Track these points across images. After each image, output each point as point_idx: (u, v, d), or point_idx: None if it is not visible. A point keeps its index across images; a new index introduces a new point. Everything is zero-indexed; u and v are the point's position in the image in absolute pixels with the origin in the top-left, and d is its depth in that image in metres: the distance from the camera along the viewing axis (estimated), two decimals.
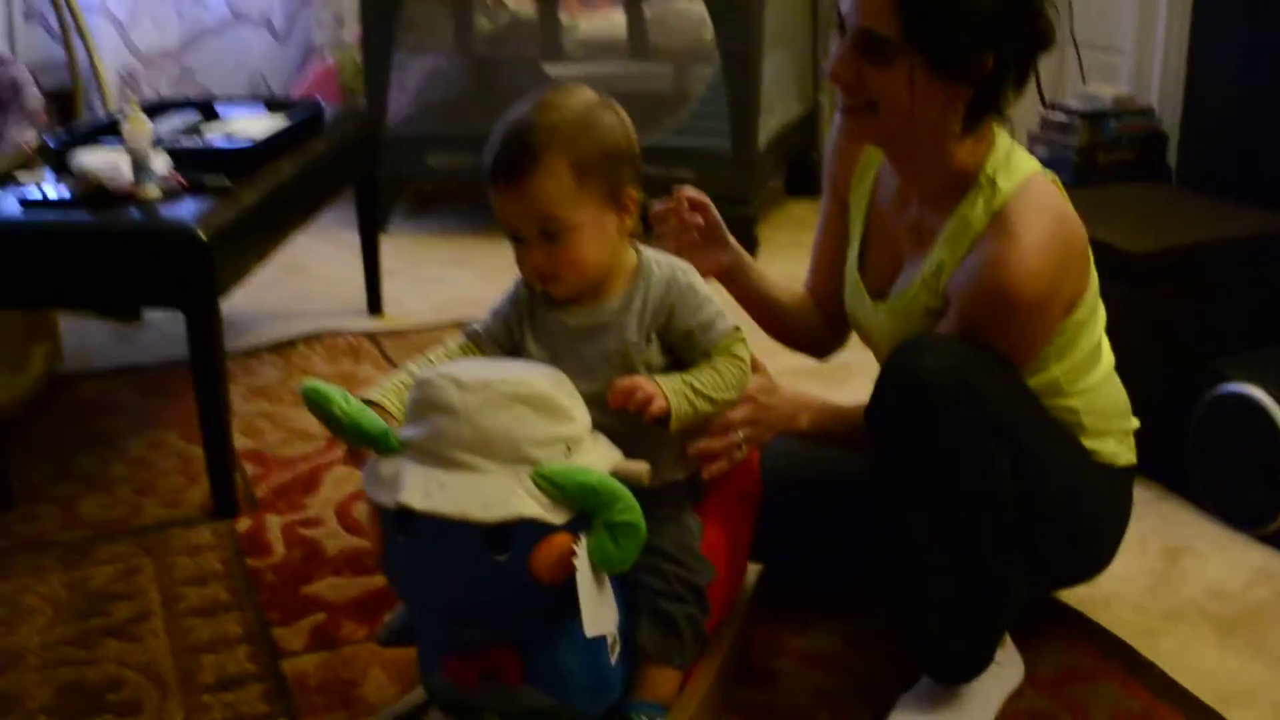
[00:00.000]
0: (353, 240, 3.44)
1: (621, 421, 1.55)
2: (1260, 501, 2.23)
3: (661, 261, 1.64)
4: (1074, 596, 2.06)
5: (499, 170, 1.56)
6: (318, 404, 1.47)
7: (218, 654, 1.96)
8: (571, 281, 1.58)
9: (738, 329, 1.64)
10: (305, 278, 3.67)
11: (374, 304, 3.39)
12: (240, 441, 2.58)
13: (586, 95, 1.59)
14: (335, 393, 1.47)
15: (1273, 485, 2.20)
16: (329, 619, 2.04)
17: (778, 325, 2.07)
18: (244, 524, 2.33)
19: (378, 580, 2.13)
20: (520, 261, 1.60)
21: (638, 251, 1.65)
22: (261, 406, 2.81)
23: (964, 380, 1.64)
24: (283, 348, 3.14)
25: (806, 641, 1.97)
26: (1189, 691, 1.84)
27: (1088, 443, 1.83)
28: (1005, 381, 1.71)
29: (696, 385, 1.57)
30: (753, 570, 1.96)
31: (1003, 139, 1.77)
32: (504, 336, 1.67)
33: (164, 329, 3.27)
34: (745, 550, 1.85)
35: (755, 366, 1.74)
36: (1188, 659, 1.92)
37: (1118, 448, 1.87)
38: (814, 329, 2.08)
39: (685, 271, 1.64)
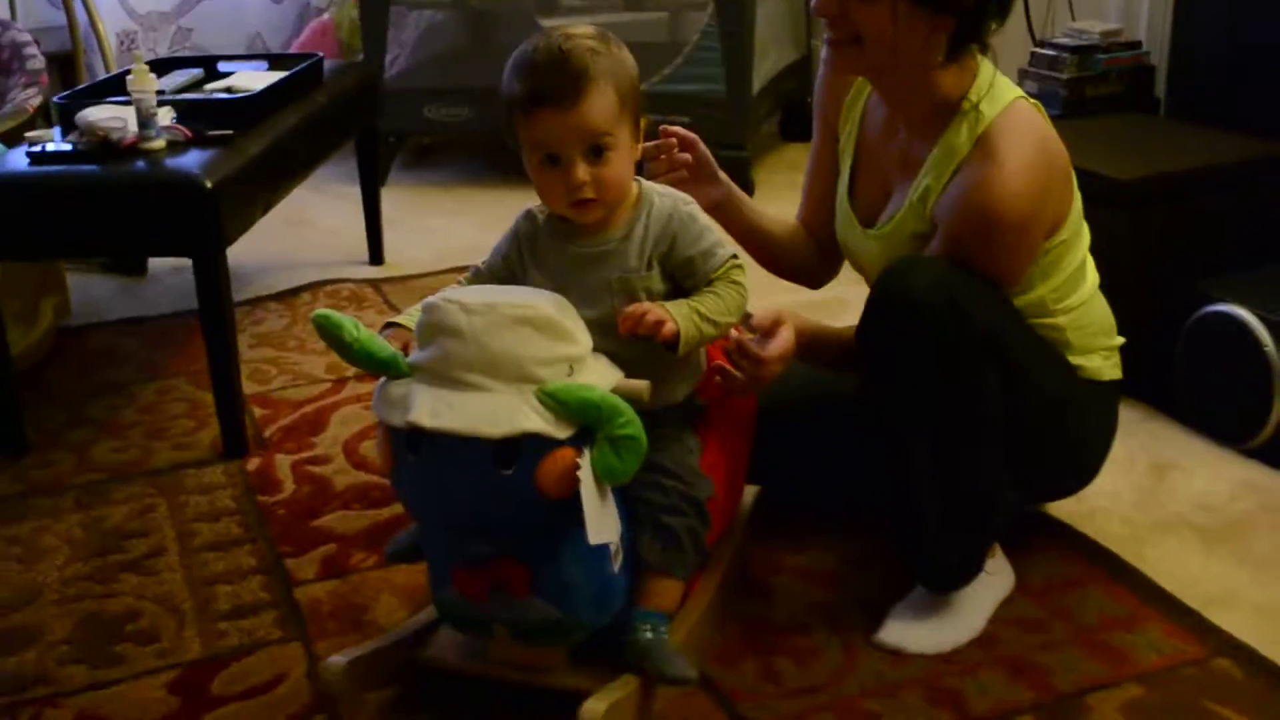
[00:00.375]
0: (353, 194, 3.49)
1: (624, 345, 1.61)
2: (1244, 417, 2.29)
3: (663, 193, 1.70)
4: (1062, 510, 2.12)
5: (548, 93, 1.58)
6: (329, 331, 1.52)
7: (232, 584, 2.02)
8: (608, 200, 1.64)
9: (735, 257, 1.69)
10: (307, 230, 3.72)
11: (375, 254, 3.43)
12: (248, 386, 2.63)
13: (597, 33, 1.65)
14: (347, 321, 1.53)
15: (1257, 401, 2.26)
16: (339, 549, 2.10)
17: (771, 256, 2.12)
18: (254, 463, 2.39)
19: (386, 512, 2.19)
20: (551, 186, 1.63)
21: (638, 183, 1.70)
22: (267, 353, 2.86)
23: (951, 297, 1.69)
24: (286, 296, 3.19)
25: (803, 559, 2.03)
26: (1173, 595, 1.90)
27: (1073, 359, 1.89)
28: (992, 299, 1.77)
29: (702, 310, 1.63)
30: (750, 491, 2.02)
31: (986, 68, 1.81)
32: (506, 273, 1.73)
33: (167, 282, 3.32)
34: (743, 469, 1.90)
35: (781, 317, 1.79)
36: (1173, 566, 1.98)
37: (1103, 364, 1.92)
38: (807, 258, 2.13)
39: (686, 202, 1.70)
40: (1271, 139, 2.62)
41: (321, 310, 1.54)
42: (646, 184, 1.71)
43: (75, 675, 1.82)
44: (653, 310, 1.59)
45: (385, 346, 1.53)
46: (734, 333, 1.73)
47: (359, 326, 1.53)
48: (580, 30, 1.63)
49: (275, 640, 1.88)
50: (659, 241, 1.66)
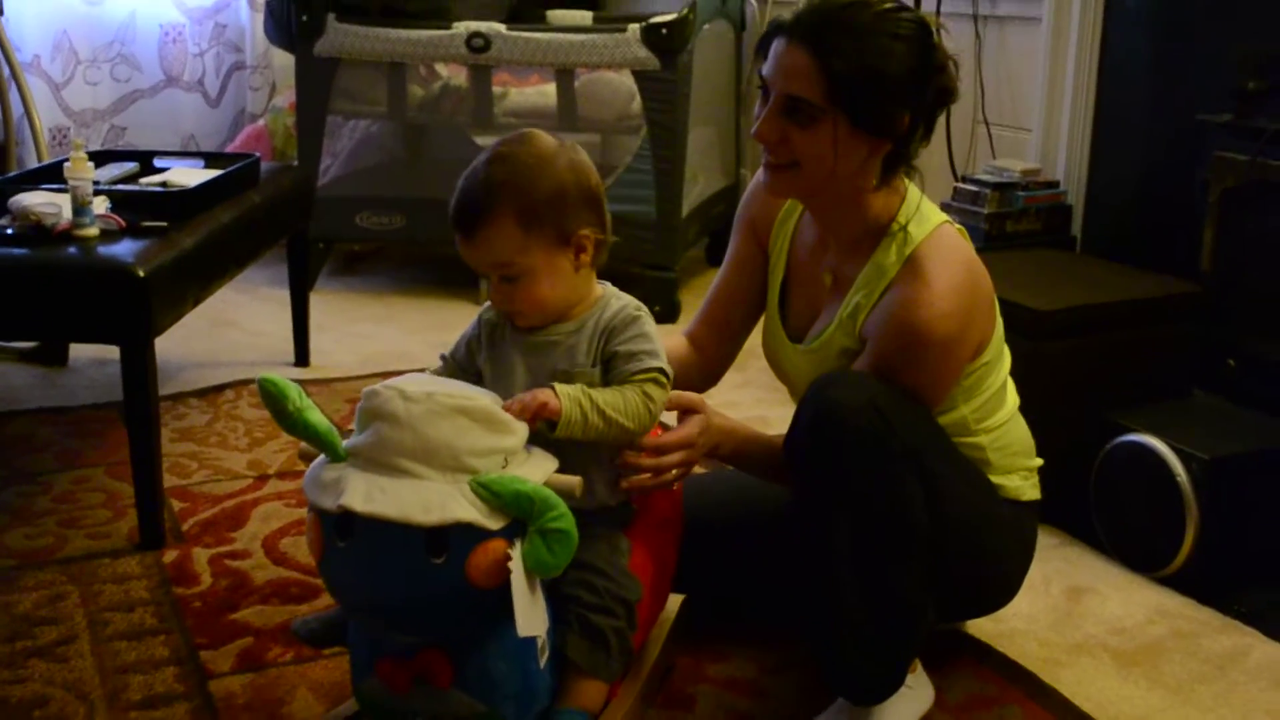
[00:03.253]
0: (282, 297, 3.48)
1: (557, 440, 1.63)
2: (1158, 545, 2.34)
3: (624, 298, 1.75)
4: (981, 631, 2.14)
5: (456, 222, 1.67)
6: (272, 395, 1.53)
7: (145, 674, 1.98)
8: (531, 316, 1.70)
9: (662, 373, 1.70)
10: (234, 331, 3.70)
11: (302, 356, 3.42)
12: (168, 480, 2.60)
13: (541, 144, 1.69)
14: (291, 388, 1.53)
15: (1170, 530, 2.31)
16: (256, 643, 2.07)
17: None
18: (171, 555, 2.35)
19: (305, 608, 2.17)
20: (490, 295, 1.72)
21: (602, 286, 1.75)
22: (189, 448, 2.83)
23: (877, 411, 1.73)
24: (209, 393, 3.16)
25: (726, 668, 2.03)
26: (1090, 716, 1.92)
27: (994, 478, 1.93)
28: (916, 415, 1.80)
29: (596, 399, 1.64)
30: (675, 599, 2.03)
31: (913, 191, 1.88)
32: (466, 358, 1.78)
33: (88, 373, 3.29)
34: (669, 574, 1.91)
35: (697, 406, 1.83)
36: (1089, 688, 2.01)
37: (1022, 484, 1.97)
38: (682, 379, 2.06)
39: (638, 309, 1.73)
40: (1181, 277, 2.72)
41: (268, 374, 1.54)
42: (610, 288, 1.76)
43: None
44: (540, 392, 1.61)
45: (324, 420, 1.54)
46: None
47: (302, 395, 1.54)
48: (517, 149, 1.68)
49: None
50: (602, 336, 1.69)
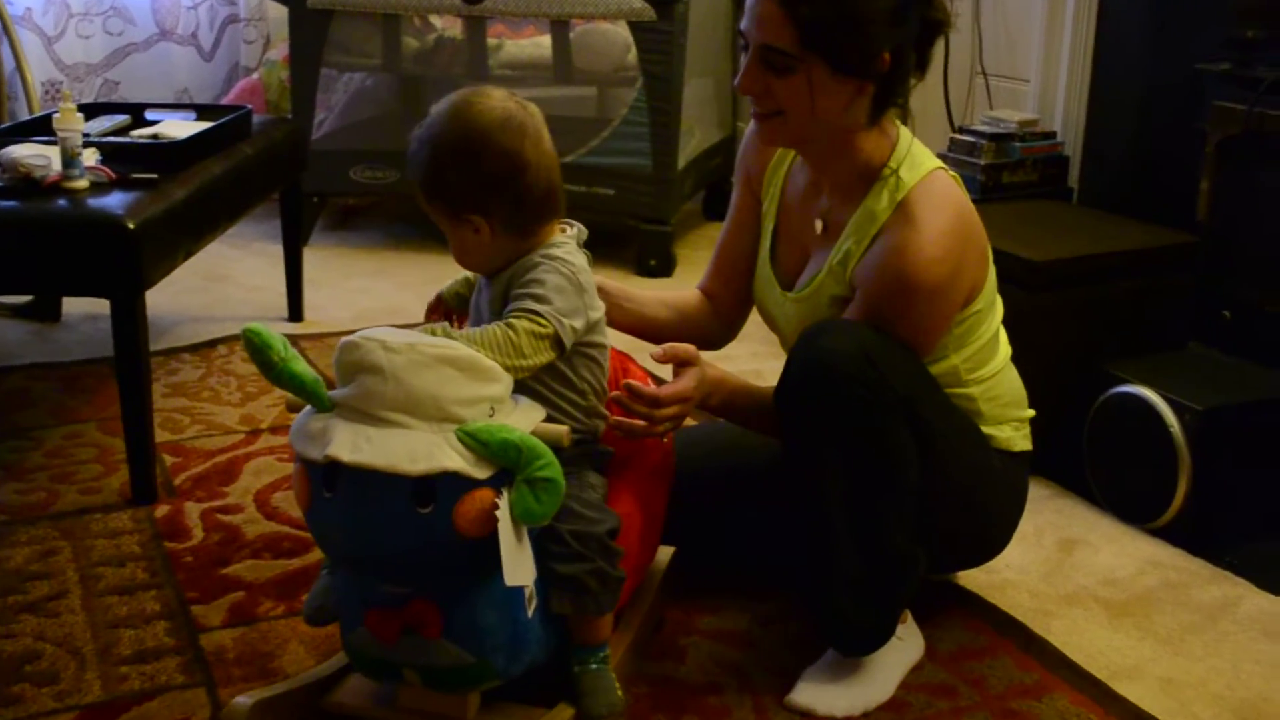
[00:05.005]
0: (275, 252, 3.47)
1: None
2: (1150, 497, 2.33)
3: (549, 253, 1.70)
4: (973, 583, 2.14)
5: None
6: (257, 347, 1.52)
7: (136, 629, 1.98)
8: (463, 264, 1.76)
9: (536, 315, 1.62)
10: (227, 286, 3.69)
11: (295, 311, 3.41)
12: (160, 435, 2.59)
13: (467, 119, 1.68)
14: (276, 339, 1.53)
15: (1162, 481, 2.30)
16: (248, 597, 2.07)
17: (661, 339, 2.06)
18: (162, 510, 2.35)
19: (297, 562, 2.16)
20: None
21: (553, 243, 1.72)
22: (181, 403, 2.82)
23: (868, 360, 1.72)
24: (202, 348, 3.15)
25: (716, 620, 2.03)
26: (1080, 666, 1.92)
27: (985, 429, 1.92)
28: (908, 364, 1.80)
29: (451, 331, 1.61)
30: (665, 552, 2.03)
31: (905, 135, 1.86)
32: (465, 287, 1.87)
33: (81, 329, 3.28)
34: (658, 524, 1.90)
35: (691, 359, 1.82)
36: (1079, 638, 2.01)
37: (1013, 434, 1.96)
38: (702, 330, 2.12)
39: (549, 266, 1.68)
40: (1176, 227, 2.70)
41: (253, 325, 1.54)
42: (559, 241, 1.72)
43: None
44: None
45: (309, 371, 1.53)
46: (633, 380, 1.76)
47: (288, 346, 1.54)
48: (442, 116, 1.70)
49: (178, 685, 1.84)
50: (508, 287, 1.70)
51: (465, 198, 1.68)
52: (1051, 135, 3.08)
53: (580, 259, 1.72)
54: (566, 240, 1.72)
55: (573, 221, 1.76)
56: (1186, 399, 2.29)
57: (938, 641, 1.97)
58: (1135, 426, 2.36)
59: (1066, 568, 2.22)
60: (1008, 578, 2.17)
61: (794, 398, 1.78)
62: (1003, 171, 2.98)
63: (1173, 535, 2.31)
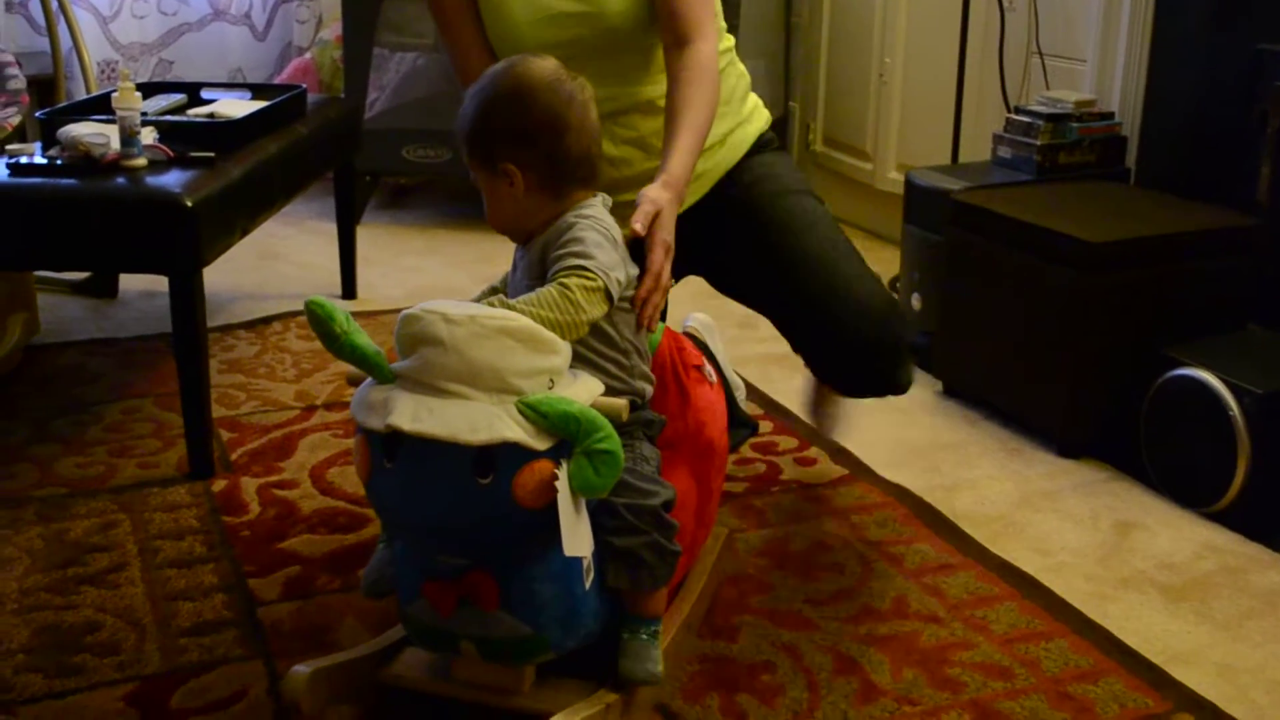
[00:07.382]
0: (329, 230, 3.49)
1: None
2: (1208, 481, 2.31)
3: (582, 214, 1.70)
4: (1029, 565, 2.13)
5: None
6: (320, 319, 1.52)
7: (194, 601, 2.00)
8: (496, 228, 1.76)
9: (585, 270, 1.61)
10: (282, 264, 3.72)
11: (348, 289, 3.43)
12: (216, 410, 2.62)
13: (511, 78, 1.69)
14: (339, 311, 1.53)
15: (1221, 465, 2.28)
16: (304, 571, 2.08)
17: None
18: (219, 485, 2.37)
19: (352, 537, 2.18)
20: None
21: (584, 205, 1.71)
22: (237, 379, 2.85)
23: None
24: (257, 325, 3.18)
25: (768, 599, 2.02)
26: (1136, 650, 1.91)
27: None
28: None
29: (508, 301, 1.60)
30: (720, 533, 2.03)
31: None
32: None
33: (138, 305, 3.31)
34: (713, 502, 1.90)
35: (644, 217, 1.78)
36: (1135, 623, 1.99)
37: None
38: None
39: (585, 224, 1.68)
40: (1235, 209, 2.67)
41: (316, 297, 1.54)
42: (578, 209, 1.71)
43: (32, 684, 1.79)
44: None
45: (370, 343, 1.54)
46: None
47: (350, 319, 1.54)
48: (494, 76, 1.71)
49: (236, 658, 1.86)
50: (544, 251, 1.69)
51: (504, 145, 1.68)
52: (1109, 116, 3.04)
53: (610, 219, 1.72)
54: (595, 202, 1.73)
55: (598, 193, 1.77)
56: (1246, 382, 2.26)
57: (993, 622, 1.96)
58: (1193, 410, 2.34)
59: (1123, 551, 2.21)
60: (1064, 560, 2.16)
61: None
62: (1059, 152, 2.95)
63: (1231, 519, 2.29)
